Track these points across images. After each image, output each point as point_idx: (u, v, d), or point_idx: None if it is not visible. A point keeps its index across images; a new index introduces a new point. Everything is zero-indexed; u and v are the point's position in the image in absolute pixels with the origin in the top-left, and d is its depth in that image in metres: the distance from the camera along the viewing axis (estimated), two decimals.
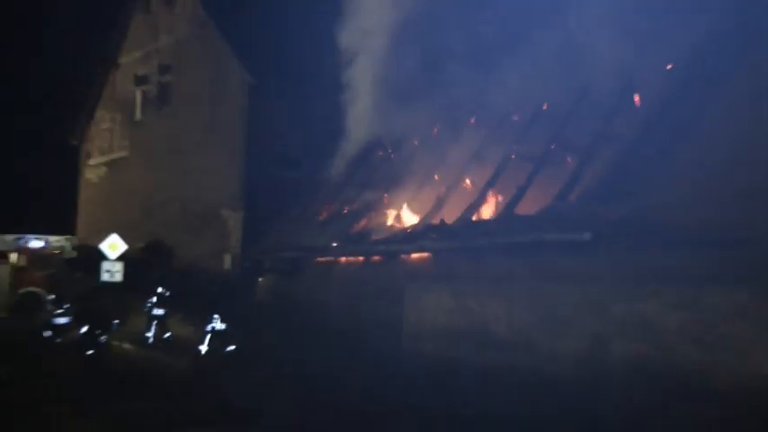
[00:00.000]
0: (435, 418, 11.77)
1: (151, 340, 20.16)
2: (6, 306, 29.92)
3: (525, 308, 12.55)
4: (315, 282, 18.34)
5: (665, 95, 12.60)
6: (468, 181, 16.43)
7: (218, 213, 24.08)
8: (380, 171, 19.56)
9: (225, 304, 19.48)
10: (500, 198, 14.84)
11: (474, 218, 14.76)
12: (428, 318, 14.60)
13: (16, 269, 32.03)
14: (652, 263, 10.67)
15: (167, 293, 20.55)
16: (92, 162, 33.31)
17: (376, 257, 16.82)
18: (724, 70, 11.77)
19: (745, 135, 10.57)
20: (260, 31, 24.16)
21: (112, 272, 22.60)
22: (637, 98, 13.75)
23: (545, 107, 15.80)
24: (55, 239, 33.98)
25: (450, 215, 15.33)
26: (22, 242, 33.32)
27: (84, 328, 18.57)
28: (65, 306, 18.39)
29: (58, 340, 18.70)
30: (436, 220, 15.47)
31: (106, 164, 32.29)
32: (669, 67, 13.22)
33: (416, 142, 19.48)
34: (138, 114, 30.31)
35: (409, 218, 17.22)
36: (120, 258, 23.94)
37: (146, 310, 20.05)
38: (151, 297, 20.13)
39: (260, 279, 20.73)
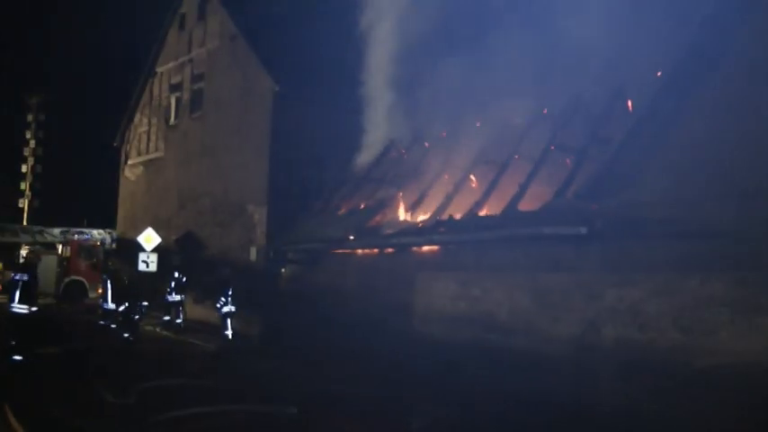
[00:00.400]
0: (444, 393, 12.00)
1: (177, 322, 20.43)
2: (54, 293, 30.37)
3: (525, 295, 12.76)
4: (334, 271, 18.52)
5: (653, 101, 12.73)
6: (474, 179, 16.57)
7: (245, 208, 24.30)
8: (394, 170, 19.71)
9: (238, 289, 19.73)
10: (503, 195, 14.97)
11: (479, 213, 14.89)
12: (437, 304, 14.82)
13: (62, 260, 32.48)
14: (639, 253, 10.88)
15: (183, 279, 20.83)
16: (130, 162, 33.62)
17: (390, 249, 17.00)
18: (707, 76, 11.89)
19: (724, 136, 10.73)
20: (284, 43, 24.39)
21: (148, 262, 22.92)
22: (629, 103, 13.86)
23: (545, 111, 15.92)
24: (97, 232, 34.40)
25: (457, 211, 15.49)
26: (67, 235, 33.77)
27: (122, 311, 18.86)
28: (108, 293, 18.66)
29: (102, 323, 18.96)
30: (445, 216, 15.64)
31: (143, 163, 32.59)
32: (659, 74, 13.32)
33: (427, 144, 19.63)
34: (173, 118, 30.62)
35: (420, 213, 17.37)
36: (155, 250, 24.27)
37: (165, 295, 20.29)
38: (170, 283, 20.34)
39: (283, 269, 20.94)
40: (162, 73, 31.40)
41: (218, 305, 19.62)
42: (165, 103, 31.04)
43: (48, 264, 30.58)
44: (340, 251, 18.53)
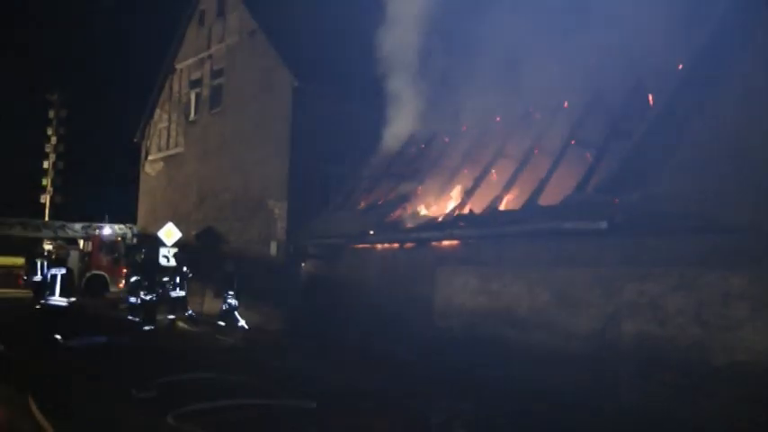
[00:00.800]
0: (463, 388, 12.05)
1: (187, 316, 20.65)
2: (76, 287, 30.65)
3: (545, 290, 12.76)
4: (354, 266, 18.59)
5: (673, 95, 12.68)
6: (493, 174, 16.58)
7: (265, 203, 24.43)
8: (414, 165, 19.74)
9: (239, 282, 20.01)
10: (523, 190, 14.97)
11: (499, 208, 14.91)
12: (456, 298, 14.85)
13: (84, 254, 32.83)
14: (659, 248, 10.87)
15: (190, 275, 21.02)
16: (150, 158, 33.87)
17: (409, 244, 17.05)
18: (728, 69, 11.85)
19: (744, 130, 10.69)
20: (303, 38, 24.50)
21: (169, 257, 23.13)
22: (650, 97, 13.81)
23: (566, 105, 15.89)
24: (118, 227, 34.69)
25: (477, 205, 15.51)
26: (89, 230, 34.11)
27: (145, 304, 19.04)
28: (131, 287, 18.86)
29: (130, 317, 19.10)
30: (464, 210, 15.66)
31: (163, 159, 32.82)
32: (680, 67, 13.27)
33: (447, 139, 19.65)
34: (193, 114, 30.81)
35: (440, 208, 17.40)
36: (176, 245, 24.47)
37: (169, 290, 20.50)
38: (174, 278, 20.53)
39: (303, 264, 21.04)
40: (181, 69, 31.60)
41: (223, 299, 20.04)
42: (185, 99, 31.24)
43: (69, 258, 30.91)
44: (360, 246, 18.60)
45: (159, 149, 33.18)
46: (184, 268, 21.27)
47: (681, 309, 10.35)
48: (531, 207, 13.73)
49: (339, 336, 16.83)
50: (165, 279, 19.73)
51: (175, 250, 23.88)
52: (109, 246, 32.98)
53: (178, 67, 31.84)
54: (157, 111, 33.52)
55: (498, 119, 17.58)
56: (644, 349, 10.80)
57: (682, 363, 10.21)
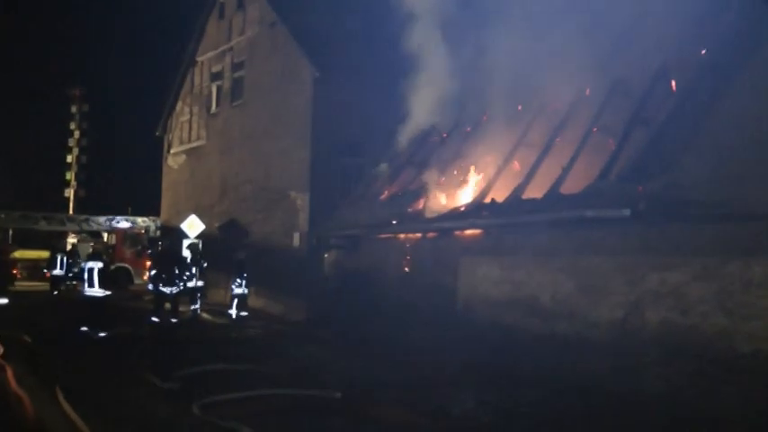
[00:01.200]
0: (486, 378, 12.10)
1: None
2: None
3: (568, 279, 12.77)
4: (376, 256, 18.67)
5: (695, 81, 12.62)
6: (516, 163, 16.56)
7: (287, 194, 24.54)
8: (436, 155, 19.76)
9: (253, 272, 20.19)
10: (545, 178, 14.95)
11: (521, 197, 14.90)
12: (480, 288, 14.90)
13: (108, 247, 33.18)
14: (681, 236, 10.85)
15: (205, 264, 21.19)
16: (173, 151, 34.13)
17: (432, 233, 17.09)
18: (751, 55, 11.76)
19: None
20: (324, 29, 24.54)
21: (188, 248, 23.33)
22: (672, 83, 13.73)
23: (587, 93, 15.81)
24: (141, 220, 35.04)
25: (499, 194, 15.51)
26: (113, 223, 34.47)
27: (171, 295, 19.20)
28: (152, 279, 19.02)
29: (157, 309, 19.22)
30: (487, 199, 15.67)
31: (185, 152, 33.07)
32: (703, 52, 13.19)
33: (468, 128, 19.64)
34: (214, 107, 31.02)
35: (462, 197, 17.41)
36: (199, 236, 24.68)
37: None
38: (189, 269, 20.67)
39: (326, 255, 21.16)
40: (202, 62, 31.79)
41: (233, 286, 20.22)
42: (206, 92, 31.44)
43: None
44: (382, 236, 18.67)
45: (181, 142, 33.43)
46: (199, 258, 21.38)
47: (704, 297, 10.32)
48: (553, 196, 13.71)
49: (362, 326, 16.92)
50: (183, 271, 19.83)
51: (192, 241, 24.11)
52: (132, 238, 33.31)
53: (199, 60, 32.04)
54: (179, 104, 33.76)
55: (520, 107, 17.54)
56: (667, 338, 10.79)
57: (705, 351, 10.19)
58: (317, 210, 23.07)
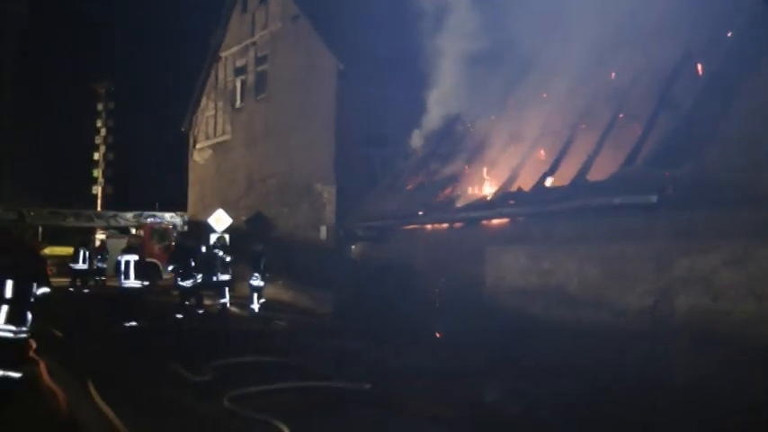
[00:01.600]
0: (515, 367, 12.10)
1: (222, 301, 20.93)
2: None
3: (595, 266, 12.72)
4: (403, 247, 18.70)
5: (722, 64, 12.50)
6: (541, 151, 16.51)
7: (313, 187, 24.66)
8: (461, 144, 19.75)
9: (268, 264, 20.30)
10: (571, 166, 14.90)
11: (547, 185, 14.86)
12: (507, 277, 14.88)
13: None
14: (710, 221, 10.75)
15: (228, 259, 21.30)
16: (198, 146, 34.38)
17: (458, 223, 17.10)
18: None
19: None
20: (346, 21, 24.58)
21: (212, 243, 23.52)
22: (699, 67, 13.61)
23: (612, 76, 15.70)
24: (169, 215, 35.36)
25: (525, 183, 15.48)
26: (140, 219, 34.83)
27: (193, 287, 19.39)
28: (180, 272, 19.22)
29: (186, 303, 19.44)
30: (513, 188, 15.65)
31: (211, 147, 33.32)
32: (729, 34, 13.06)
33: (493, 117, 19.60)
34: (238, 101, 31.22)
35: (488, 186, 17.39)
36: (226, 231, 24.83)
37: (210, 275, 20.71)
38: (215, 263, 20.77)
39: (353, 247, 21.22)
40: (226, 57, 31.99)
41: (251, 280, 20.32)
42: (231, 87, 31.64)
43: (121, 247, 31.59)
44: (409, 227, 18.70)
45: (207, 137, 33.67)
46: (220, 253, 21.43)
47: (734, 283, 10.24)
48: (579, 183, 13.66)
49: (390, 317, 16.96)
50: (203, 265, 19.93)
51: (219, 235, 24.30)
52: (160, 234, 33.61)
53: (223, 55, 32.24)
54: (204, 99, 34.00)
55: (545, 95, 17.47)
56: (697, 325, 10.70)
57: (736, 338, 10.11)
58: (342, 202, 23.16)
